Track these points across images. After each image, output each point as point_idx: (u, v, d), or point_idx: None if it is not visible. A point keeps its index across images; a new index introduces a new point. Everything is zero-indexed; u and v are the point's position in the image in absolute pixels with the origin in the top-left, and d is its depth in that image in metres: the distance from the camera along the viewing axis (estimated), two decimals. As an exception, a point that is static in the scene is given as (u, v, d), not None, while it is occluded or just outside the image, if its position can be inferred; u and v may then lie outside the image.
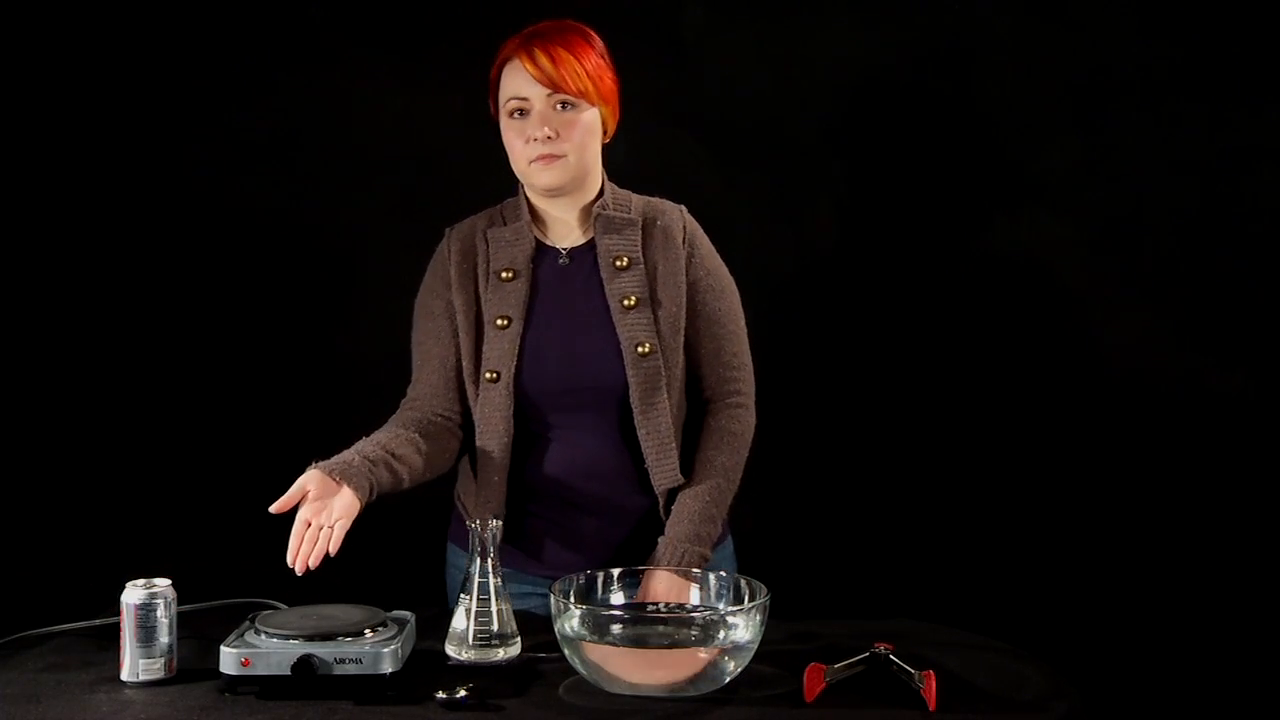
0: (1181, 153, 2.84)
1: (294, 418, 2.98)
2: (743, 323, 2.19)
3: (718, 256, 2.19)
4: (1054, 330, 2.90)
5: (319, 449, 2.96)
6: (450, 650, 1.85)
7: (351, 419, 2.95)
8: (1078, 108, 2.86)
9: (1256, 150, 2.83)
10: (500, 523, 1.89)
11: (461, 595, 1.86)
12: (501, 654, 1.84)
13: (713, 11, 2.90)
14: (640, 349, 2.05)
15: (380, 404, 2.94)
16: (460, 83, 2.93)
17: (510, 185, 2.20)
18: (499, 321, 2.08)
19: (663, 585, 1.93)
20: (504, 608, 1.85)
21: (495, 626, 1.84)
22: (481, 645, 1.83)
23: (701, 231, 2.19)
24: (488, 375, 2.07)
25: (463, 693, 1.66)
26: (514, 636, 1.86)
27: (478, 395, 2.09)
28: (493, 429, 2.07)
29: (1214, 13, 2.82)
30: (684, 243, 2.13)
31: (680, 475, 2.07)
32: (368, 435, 2.05)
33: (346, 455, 1.95)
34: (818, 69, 2.91)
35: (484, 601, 1.84)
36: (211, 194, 2.97)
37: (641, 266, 2.10)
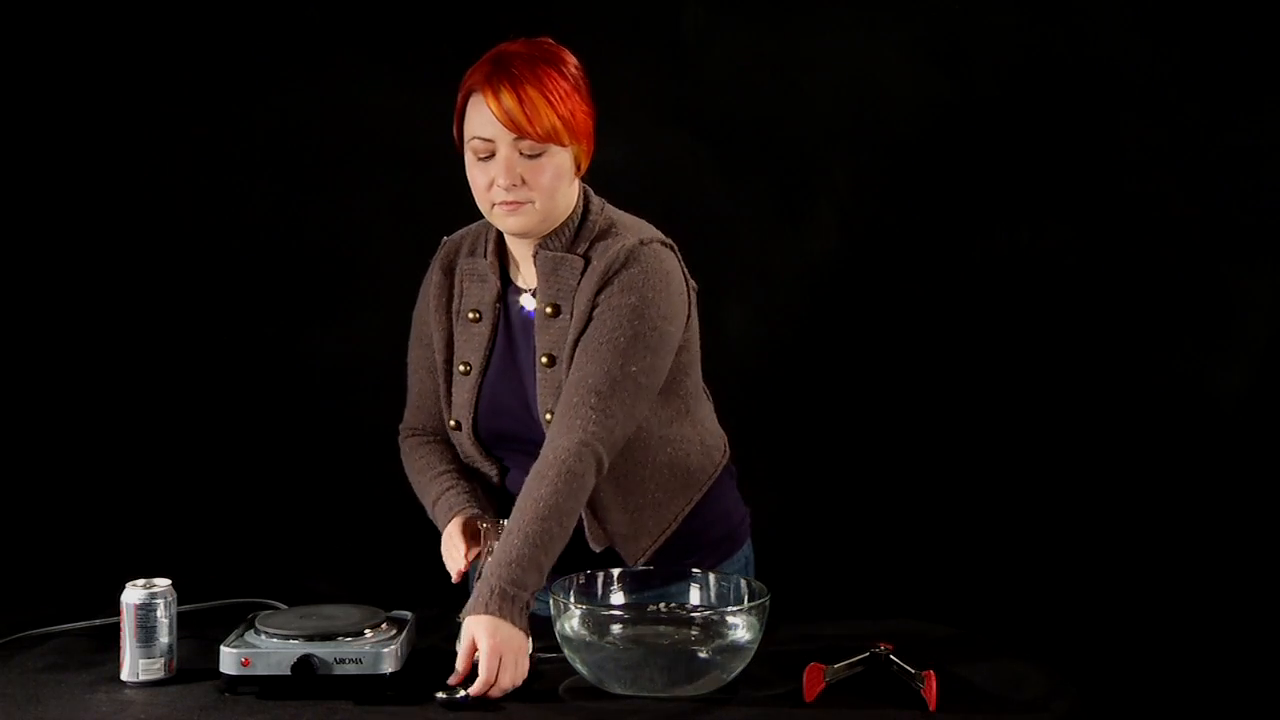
0: (1181, 153, 2.84)
1: (294, 418, 2.98)
2: (632, 371, 1.85)
3: (646, 300, 1.87)
4: (1054, 331, 2.90)
5: (317, 449, 2.98)
6: None
7: (351, 420, 2.97)
8: (1078, 108, 2.86)
9: (1256, 150, 2.83)
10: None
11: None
12: None
13: (713, 11, 2.90)
14: (548, 416, 1.91)
15: (379, 405, 2.95)
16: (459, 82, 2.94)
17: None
18: (460, 367, 2.00)
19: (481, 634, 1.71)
20: None
21: None
22: None
23: (642, 270, 1.88)
24: (451, 423, 2.01)
25: (463, 693, 1.66)
26: None
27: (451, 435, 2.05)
28: (473, 466, 2.03)
29: (1214, 13, 2.81)
30: (604, 274, 1.88)
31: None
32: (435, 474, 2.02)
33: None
34: (818, 69, 2.91)
35: None
36: (211, 195, 2.97)
37: (568, 316, 1.90)
